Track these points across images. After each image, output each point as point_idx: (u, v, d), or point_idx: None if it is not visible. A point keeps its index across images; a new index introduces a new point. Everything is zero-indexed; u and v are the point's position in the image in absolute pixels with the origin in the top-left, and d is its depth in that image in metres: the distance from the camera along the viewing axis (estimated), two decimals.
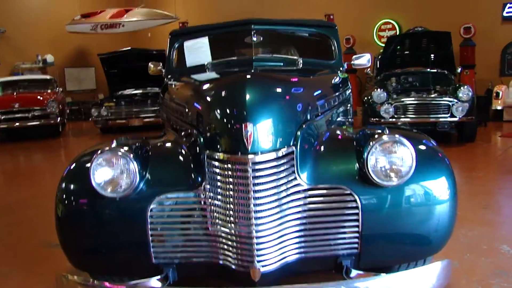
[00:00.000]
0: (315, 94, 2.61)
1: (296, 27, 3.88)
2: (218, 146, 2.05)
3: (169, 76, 3.60)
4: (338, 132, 2.54)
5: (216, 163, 2.05)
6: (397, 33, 12.74)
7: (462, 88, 7.27)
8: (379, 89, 7.57)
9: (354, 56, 3.77)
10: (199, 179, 2.10)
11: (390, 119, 7.31)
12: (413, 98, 7.45)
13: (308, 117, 2.32)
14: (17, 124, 10.80)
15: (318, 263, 2.18)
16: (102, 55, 11.99)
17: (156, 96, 10.26)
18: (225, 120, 2.05)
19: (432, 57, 8.01)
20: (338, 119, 2.99)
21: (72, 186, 2.21)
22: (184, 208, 2.13)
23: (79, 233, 2.20)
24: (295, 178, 2.07)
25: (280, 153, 2.03)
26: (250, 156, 1.95)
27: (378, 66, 9.08)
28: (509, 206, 4.43)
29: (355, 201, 2.08)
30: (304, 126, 2.22)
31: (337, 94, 3.03)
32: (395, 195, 2.11)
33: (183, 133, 2.48)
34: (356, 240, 2.13)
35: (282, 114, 2.11)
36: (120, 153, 2.07)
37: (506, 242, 3.23)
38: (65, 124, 13.40)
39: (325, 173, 2.13)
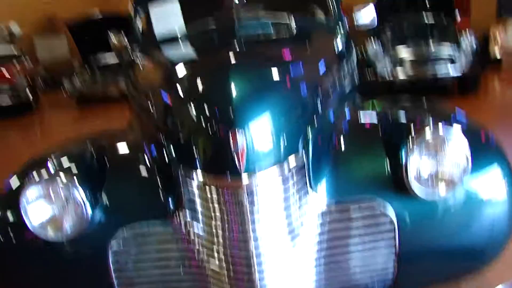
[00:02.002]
0: (321, 72, 2.00)
1: None
2: (197, 162, 1.48)
3: (133, 52, 2.95)
4: (356, 119, 1.94)
5: (195, 184, 1.48)
6: None
7: (465, 37, 6.66)
8: (373, 41, 6.92)
9: (355, 14, 3.11)
10: (174, 204, 1.56)
11: (388, 74, 6.70)
12: (411, 50, 6.81)
13: (318, 105, 1.75)
14: None
15: None
16: (70, 25, 11.01)
17: None
18: (203, 125, 1.47)
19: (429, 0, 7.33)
20: (349, 96, 2.39)
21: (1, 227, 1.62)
22: (156, 241, 1.58)
23: None
24: (308, 194, 1.53)
25: (286, 167, 1.47)
26: (244, 179, 1.40)
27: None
28: None
29: (389, 215, 1.56)
30: (314, 119, 1.66)
31: (344, 64, 2.43)
32: (441, 206, 1.58)
33: (149, 138, 1.87)
34: (392, 264, 1.63)
35: (284, 109, 1.55)
36: (59, 182, 1.49)
37: None
38: (39, 98, 12.57)
39: (348, 182, 1.61)
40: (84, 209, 1.49)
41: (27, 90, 10.25)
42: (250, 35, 2.68)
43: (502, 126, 5.47)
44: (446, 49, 6.70)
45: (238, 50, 1.89)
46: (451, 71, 6.62)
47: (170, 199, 1.57)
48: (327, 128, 1.74)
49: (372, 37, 7.02)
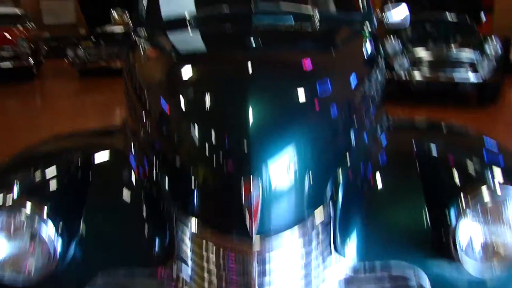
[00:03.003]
0: (353, 88, 1.65)
1: None
2: (195, 208, 1.18)
3: (137, 33, 2.62)
4: (392, 153, 1.57)
5: (190, 235, 1.18)
6: None
7: (490, 41, 6.29)
8: (392, 38, 6.57)
9: (386, 13, 2.77)
10: (163, 251, 1.26)
11: (404, 74, 6.37)
12: (431, 51, 6.48)
13: (351, 135, 1.43)
14: None
15: None
16: None
17: None
18: (208, 161, 1.16)
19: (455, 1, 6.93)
20: (380, 114, 1.99)
21: None
22: None
23: None
24: (331, 255, 1.22)
25: (310, 225, 1.16)
26: (255, 243, 1.08)
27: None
28: None
29: None
30: (347, 155, 1.35)
31: (375, 73, 2.09)
32: (495, 286, 1.27)
33: (141, 158, 1.53)
34: None
35: (314, 147, 1.23)
36: (24, 213, 1.19)
37: None
38: (41, 64, 12.22)
39: (380, 243, 1.28)
40: (53, 248, 1.18)
41: (29, 55, 9.89)
42: (268, 27, 2.36)
43: None
44: (467, 53, 6.35)
45: (255, 55, 1.55)
46: (471, 77, 6.28)
47: (159, 245, 1.27)
48: (359, 166, 1.42)
49: (391, 33, 6.66)
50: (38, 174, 1.37)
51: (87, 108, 7.67)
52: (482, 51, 6.27)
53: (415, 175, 1.40)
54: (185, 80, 1.56)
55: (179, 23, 2.49)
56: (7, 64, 9.73)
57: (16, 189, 1.27)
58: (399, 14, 2.76)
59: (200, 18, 2.48)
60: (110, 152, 1.65)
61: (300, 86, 1.36)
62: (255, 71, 1.32)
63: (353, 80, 1.68)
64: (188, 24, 2.44)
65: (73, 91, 9.49)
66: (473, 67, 6.26)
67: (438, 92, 6.84)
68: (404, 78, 6.41)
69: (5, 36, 9.84)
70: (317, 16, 2.41)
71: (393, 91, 6.02)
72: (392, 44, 6.36)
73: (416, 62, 6.41)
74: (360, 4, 2.69)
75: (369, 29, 2.58)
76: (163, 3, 2.65)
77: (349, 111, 1.49)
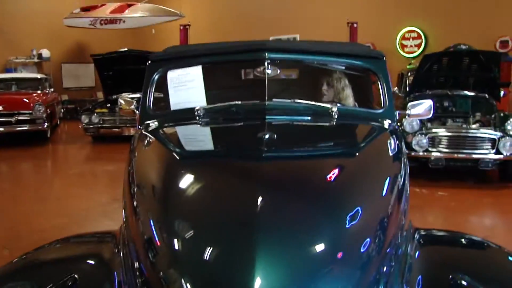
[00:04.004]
0: (382, 210, 1.46)
1: (328, 57, 2.70)
2: None
3: (143, 126, 2.49)
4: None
5: None
6: (423, 43, 11.59)
7: (510, 118, 6.12)
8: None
9: (409, 104, 2.62)
10: None
11: (423, 153, 6.17)
12: (450, 129, 6.32)
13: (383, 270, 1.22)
14: (0, 129, 9.71)
15: None
16: (95, 56, 10.89)
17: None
18: None
19: (473, 80, 6.83)
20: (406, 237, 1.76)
21: None
22: None
23: None
24: None
25: None
26: None
27: (407, 84, 7.94)
28: None
29: None
30: None
31: (399, 179, 1.87)
32: None
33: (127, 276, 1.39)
34: None
35: None
36: None
37: None
38: (57, 126, 12.37)
39: None
40: None
41: (44, 120, 9.99)
42: (283, 121, 2.20)
43: None
44: (487, 130, 6.17)
45: (265, 180, 1.37)
46: (492, 154, 6.05)
47: None
48: None
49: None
50: None
51: (95, 178, 7.55)
52: (503, 128, 6.08)
53: None
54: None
55: (186, 116, 2.36)
56: (22, 128, 9.82)
57: None
58: (423, 109, 2.61)
59: (208, 110, 2.34)
60: (96, 266, 1.60)
61: (321, 233, 1.15)
62: (263, 216, 1.11)
63: (383, 194, 1.48)
64: (196, 115, 2.31)
65: (83, 158, 9.45)
66: (494, 144, 6.05)
67: (458, 169, 6.59)
68: (422, 154, 6.21)
69: (23, 101, 10.01)
70: (335, 111, 2.26)
71: (411, 169, 5.80)
72: (411, 121, 6.20)
73: (435, 139, 6.23)
74: (381, 98, 2.54)
75: (391, 125, 2.42)
76: (173, 96, 2.53)
77: (380, 252, 1.27)
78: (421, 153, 6.18)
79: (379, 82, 2.55)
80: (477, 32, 10.17)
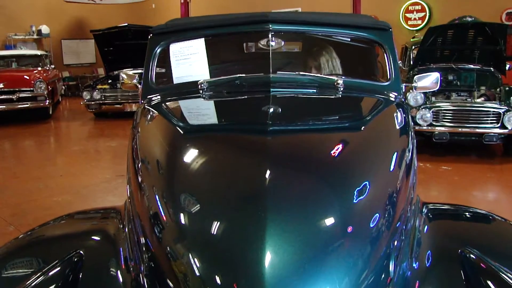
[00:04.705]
0: (391, 184, 1.43)
1: (333, 28, 2.63)
2: None
3: (146, 100, 2.45)
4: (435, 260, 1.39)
5: None
6: (427, 16, 11.39)
7: None
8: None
9: (416, 77, 2.58)
10: None
11: (426, 127, 6.13)
12: (455, 103, 6.26)
13: (390, 266, 1.19)
14: (2, 106, 9.68)
15: None
16: (95, 31, 10.75)
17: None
18: None
19: (478, 53, 6.73)
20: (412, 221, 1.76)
21: None
22: None
23: None
24: None
25: None
26: None
27: (411, 58, 7.83)
28: None
29: None
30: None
31: (407, 153, 1.84)
32: None
33: (132, 252, 1.40)
34: None
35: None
36: None
37: None
38: (58, 103, 12.32)
39: None
40: None
41: (46, 96, 9.95)
42: (287, 93, 2.16)
43: None
44: (492, 104, 6.11)
45: (273, 155, 1.34)
46: (497, 129, 6.00)
47: None
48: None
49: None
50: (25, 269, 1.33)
51: (98, 155, 7.54)
52: (508, 102, 6.02)
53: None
54: (193, 188, 1.36)
55: (189, 90, 2.32)
56: (24, 105, 9.80)
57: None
58: (430, 81, 2.56)
59: (212, 84, 2.30)
60: (101, 242, 1.58)
61: (330, 211, 1.13)
62: (272, 190, 1.09)
63: (393, 172, 1.45)
64: (199, 89, 2.27)
65: (86, 134, 9.42)
66: (498, 118, 6.00)
67: (462, 143, 6.56)
68: (426, 128, 6.17)
69: (24, 78, 9.95)
70: (340, 83, 2.22)
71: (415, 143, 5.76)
72: (414, 95, 6.14)
73: (439, 113, 6.18)
74: (387, 71, 2.49)
75: (397, 98, 2.37)
76: (175, 69, 2.49)
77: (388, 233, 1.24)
78: (425, 127, 6.14)
79: (385, 54, 2.50)
80: (482, 3, 9.98)
